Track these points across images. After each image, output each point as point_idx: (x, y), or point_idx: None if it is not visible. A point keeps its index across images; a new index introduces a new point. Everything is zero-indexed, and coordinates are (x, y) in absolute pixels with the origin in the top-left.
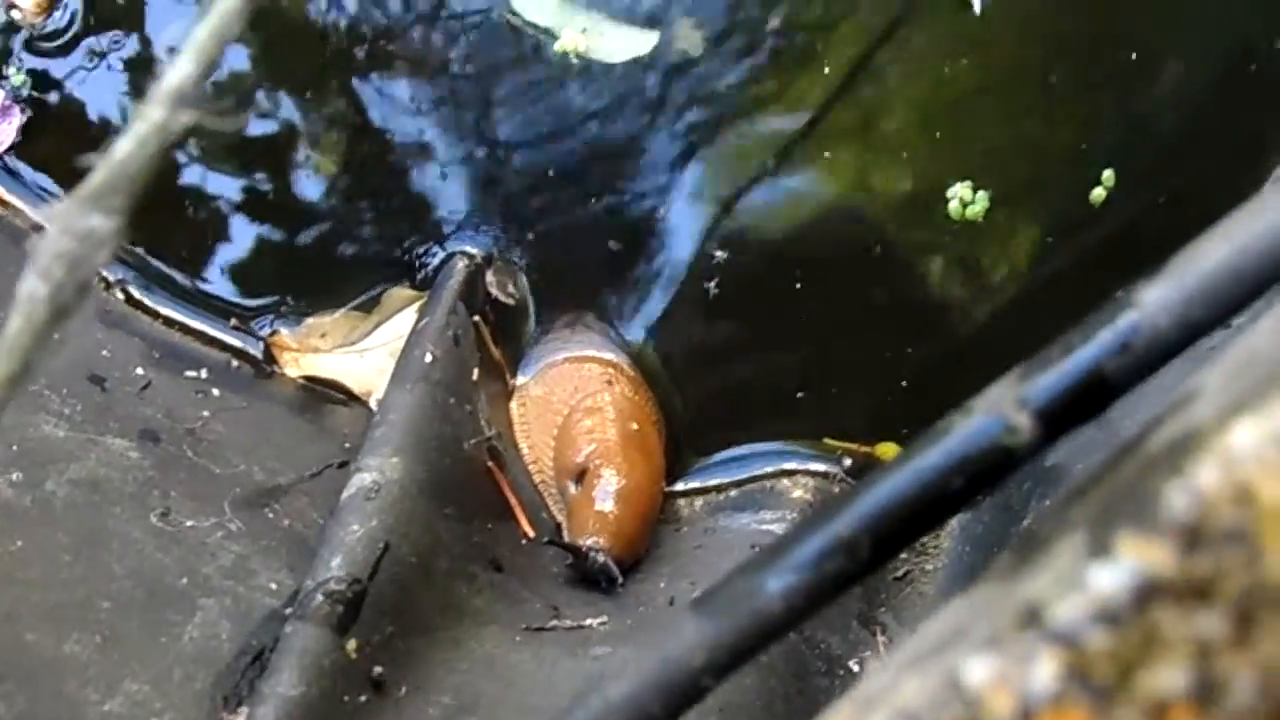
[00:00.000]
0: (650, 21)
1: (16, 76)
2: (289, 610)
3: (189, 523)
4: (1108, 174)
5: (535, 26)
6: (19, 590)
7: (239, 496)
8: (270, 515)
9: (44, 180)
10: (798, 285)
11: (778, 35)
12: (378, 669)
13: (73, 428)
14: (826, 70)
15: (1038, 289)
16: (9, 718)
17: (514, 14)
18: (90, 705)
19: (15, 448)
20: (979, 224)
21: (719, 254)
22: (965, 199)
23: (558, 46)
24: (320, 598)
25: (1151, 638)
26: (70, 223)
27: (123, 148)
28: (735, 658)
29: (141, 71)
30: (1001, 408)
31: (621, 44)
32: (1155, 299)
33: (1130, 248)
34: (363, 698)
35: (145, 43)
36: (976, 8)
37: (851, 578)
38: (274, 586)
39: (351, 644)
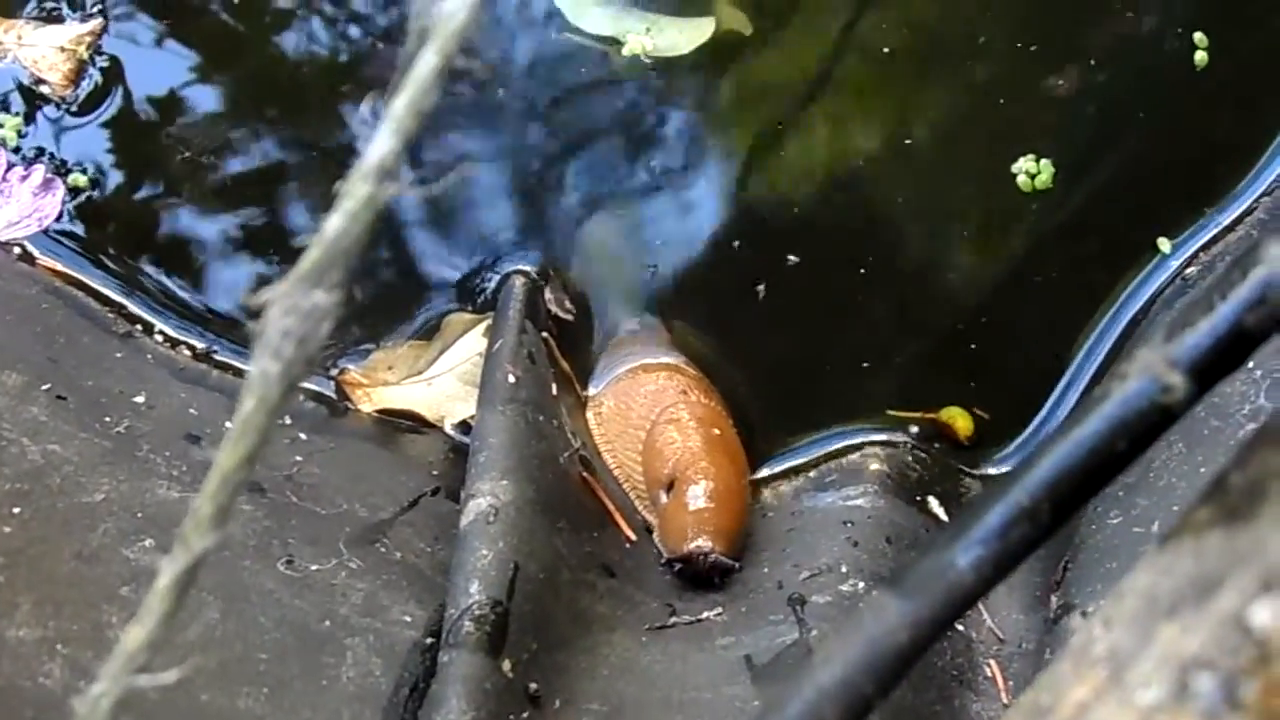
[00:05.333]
0: (699, 10)
1: (75, 169)
2: (430, 639)
3: (314, 567)
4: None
5: (598, 38)
6: (183, 654)
7: (350, 535)
8: (382, 550)
9: (90, 247)
10: (862, 271)
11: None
12: (533, 685)
13: (184, 488)
14: (886, 50)
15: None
16: None
17: (575, 31)
18: None
19: (140, 515)
20: (1050, 191)
21: (773, 248)
22: (1031, 170)
23: (625, 50)
24: (469, 624)
25: None
26: (293, 302)
27: (334, 225)
28: (936, 630)
29: (168, 131)
30: (1154, 369)
31: (684, 35)
32: None
33: None
34: (525, 714)
35: (169, 105)
36: None
37: (1034, 542)
38: (408, 619)
39: (506, 664)
